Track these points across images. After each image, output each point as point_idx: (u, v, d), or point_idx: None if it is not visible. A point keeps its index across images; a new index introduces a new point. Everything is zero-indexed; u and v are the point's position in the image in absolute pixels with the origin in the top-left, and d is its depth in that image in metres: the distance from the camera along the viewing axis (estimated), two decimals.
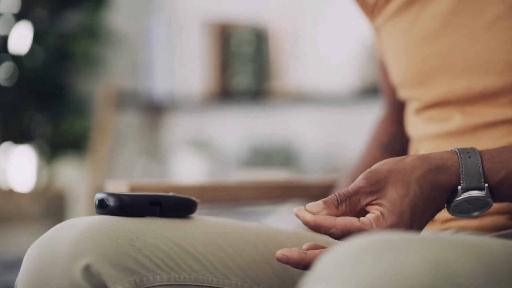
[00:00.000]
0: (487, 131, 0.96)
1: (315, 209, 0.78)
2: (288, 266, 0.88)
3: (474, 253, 0.62)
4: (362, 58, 2.90)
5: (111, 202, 0.83)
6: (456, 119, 0.99)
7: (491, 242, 0.68)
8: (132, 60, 3.47)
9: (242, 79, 3.14)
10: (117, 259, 0.80)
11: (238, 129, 3.32)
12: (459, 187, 0.79)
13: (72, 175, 3.39)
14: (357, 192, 0.78)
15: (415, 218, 0.77)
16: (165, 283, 0.82)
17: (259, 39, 3.14)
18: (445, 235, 0.67)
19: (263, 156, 3.17)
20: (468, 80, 0.97)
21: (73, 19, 3.36)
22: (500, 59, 0.94)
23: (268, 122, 3.26)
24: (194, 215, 0.90)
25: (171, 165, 3.38)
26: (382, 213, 0.77)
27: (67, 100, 3.37)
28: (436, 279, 0.59)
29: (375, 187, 0.78)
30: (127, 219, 0.84)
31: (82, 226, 0.82)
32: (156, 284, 0.81)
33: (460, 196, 0.80)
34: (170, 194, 0.87)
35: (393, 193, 0.77)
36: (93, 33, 3.34)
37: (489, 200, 0.80)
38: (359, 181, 0.79)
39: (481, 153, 0.81)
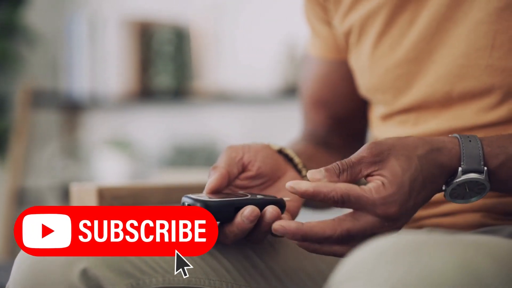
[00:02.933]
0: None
1: (317, 175, 0.79)
2: (271, 265, 0.91)
3: (489, 253, 0.64)
4: (284, 58, 2.93)
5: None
6: (431, 122, 1.01)
7: (499, 241, 0.69)
8: (51, 59, 3.43)
9: (163, 78, 3.13)
10: (113, 263, 0.81)
11: (160, 128, 3.31)
12: (460, 169, 0.81)
13: None
14: (360, 161, 0.80)
15: (412, 193, 0.79)
16: (160, 286, 0.83)
17: (181, 38, 3.14)
18: (465, 236, 0.68)
19: (186, 155, 3.17)
20: (446, 84, 0.98)
21: None
22: (480, 64, 0.95)
23: (190, 122, 3.27)
24: None
25: (92, 165, 3.34)
26: (383, 183, 0.78)
27: None
28: (467, 281, 0.60)
29: (378, 158, 0.79)
30: None
31: None
32: (152, 287, 0.82)
33: (460, 177, 0.82)
34: (258, 196, 0.85)
35: (395, 164, 0.79)
36: (11, 31, 3.28)
37: (487, 184, 0.82)
38: (362, 151, 0.80)
39: (480, 138, 0.83)
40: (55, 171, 3.40)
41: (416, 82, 1.01)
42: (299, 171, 0.97)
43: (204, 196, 0.83)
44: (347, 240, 0.79)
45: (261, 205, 0.83)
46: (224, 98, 3.07)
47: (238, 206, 0.82)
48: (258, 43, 3.09)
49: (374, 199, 0.77)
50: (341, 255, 0.79)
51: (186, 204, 0.82)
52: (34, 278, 0.81)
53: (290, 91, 2.90)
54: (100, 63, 3.23)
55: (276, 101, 3.00)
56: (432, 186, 0.81)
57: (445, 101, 0.99)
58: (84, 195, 1.17)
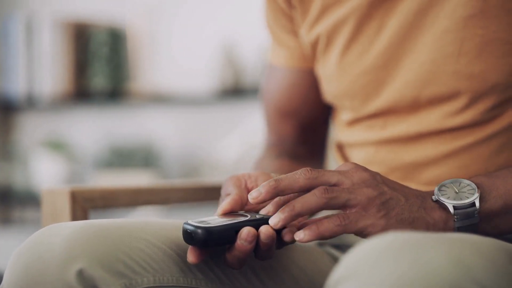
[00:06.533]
0: (430, 137, 1.02)
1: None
2: (253, 264, 0.93)
3: (478, 250, 0.68)
4: (221, 59, 2.97)
5: (200, 235, 0.83)
6: (398, 126, 1.04)
7: (484, 239, 0.73)
8: None
9: (99, 79, 3.13)
10: (108, 263, 0.82)
11: (96, 130, 3.30)
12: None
13: None
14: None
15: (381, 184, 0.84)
16: (151, 285, 0.85)
17: (117, 40, 3.14)
18: (456, 235, 0.72)
19: (123, 157, 3.18)
20: (414, 90, 1.01)
21: None
22: (447, 70, 0.99)
23: (127, 123, 3.27)
24: (172, 219, 0.93)
25: (28, 166, 3.32)
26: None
27: None
28: (459, 276, 0.65)
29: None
30: (112, 223, 0.86)
31: (70, 231, 0.84)
32: (144, 287, 0.84)
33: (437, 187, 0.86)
34: (257, 216, 0.86)
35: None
36: None
37: (471, 183, 0.86)
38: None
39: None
40: None
41: (385, 88, 1.04)
42: None
43: (204, 223, 0.84)
44: (315, 178, 0.82)
45: (260, 224, 0.84)
46: (160, 99, 3.09)
47: (238, 229, 0.83)
48: (195, 45, 3.11)
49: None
50: (317, 205, 0.81)
51: (188, 231, 0.83)
52: (29, 279, 0.81)
53: (226, 93, 2.94)
54: (36, 64, 3.21)
55: (212, 102, 3.03)
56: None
57: (413, 106, 1.02)
58: (56, 197, 1.18)
